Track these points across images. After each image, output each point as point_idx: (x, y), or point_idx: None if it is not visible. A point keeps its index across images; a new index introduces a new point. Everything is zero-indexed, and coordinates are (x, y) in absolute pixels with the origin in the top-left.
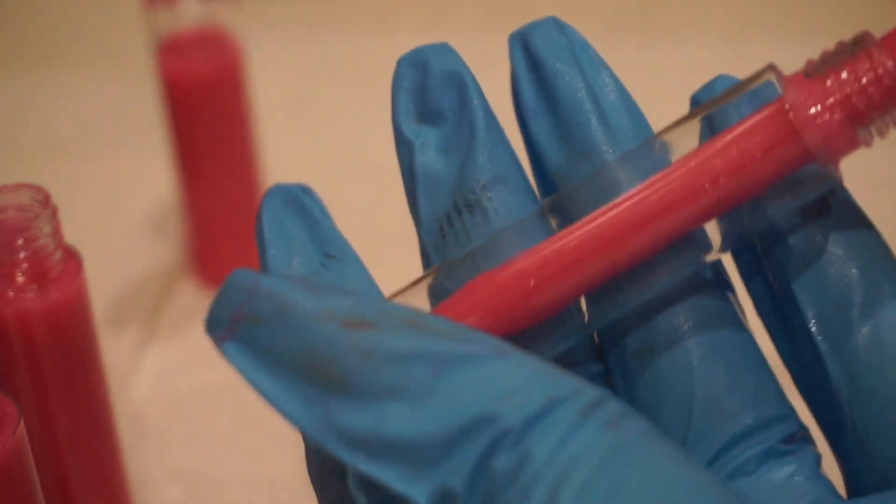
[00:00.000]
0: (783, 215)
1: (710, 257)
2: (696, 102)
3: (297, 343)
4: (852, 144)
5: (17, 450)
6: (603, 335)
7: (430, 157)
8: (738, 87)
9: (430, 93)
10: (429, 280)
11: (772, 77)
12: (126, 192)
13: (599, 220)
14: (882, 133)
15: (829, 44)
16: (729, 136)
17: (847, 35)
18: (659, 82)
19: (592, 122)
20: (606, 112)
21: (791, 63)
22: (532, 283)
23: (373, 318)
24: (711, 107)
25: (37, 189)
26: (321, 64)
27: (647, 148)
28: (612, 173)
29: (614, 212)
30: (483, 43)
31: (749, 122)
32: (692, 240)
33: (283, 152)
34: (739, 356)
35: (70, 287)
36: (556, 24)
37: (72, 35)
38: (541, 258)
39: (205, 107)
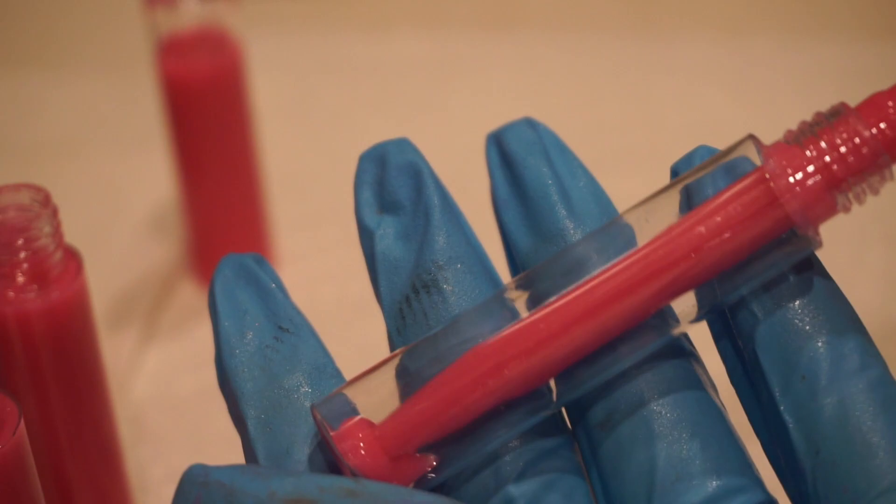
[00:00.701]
0: (757, 284)
1: (682, 329)
2: (676, 173)
3: None
4: (831, 211)
5: (18, 450)
6: (569, 403)
7: (389, 244)
8: (718, 156)
9: (388, 184)
10: (393, 364)
11: (751, 147)
12: (126, 192)
13: (588, 294)
14: (860, 199)
15: (829, 43)
16: (711, 205)
17: (847, 34)
18: (659, 82)
19: (558, 207)
20: (572, 198)
21: (791, 63)
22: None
23: (313, 495)
24: (690, 177)
25: (37, 189)
26: (321, 64)
27: (620, 223)
28: (583, 249)
29: (603, 283)
30: (483, 43)
31: (731, 191)
32: (663, 313)
33: (283, 152)
34: (703, 425)
35: (70, 287)
36: (529, 124)
37: (72, 35)
38: (534, 333)
39: (205, 107)
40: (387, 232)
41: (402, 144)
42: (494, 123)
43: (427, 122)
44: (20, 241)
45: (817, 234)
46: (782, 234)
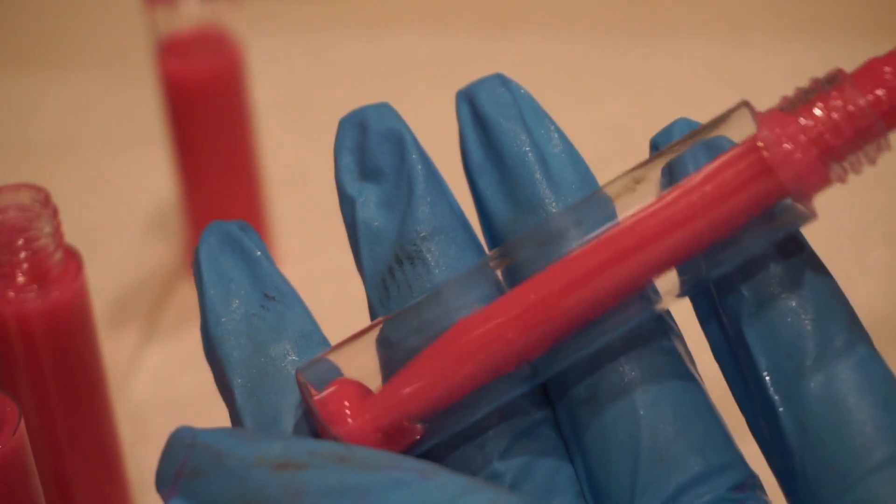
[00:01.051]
0: (746, 257)
1: (665, 304)
2: (655, 147)
3: (234, 490)
4: (825, 180)
5: (18, 449)
6: (550, 381)
7: (370, 213)
8: (713, 122)
9: (369, 151)
10: (375, 332)
11: (746, 114)
12: (126, 192)
13: (576, 262)
14: (855, 169)
15: (829, 43)
16: (702, 174)
17: (846, 34)
18: (659, 82)
19: (537, 176)
20: (551, 166)
21: (791, 63)
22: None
23: (302, 458)
24: (674, 149)
25: (37, 189)
26: (321, 64)
27: (603, 195)
28: (566, 221)
29: (594, 251)
30: (483, 43)
31: (722, 159)
32: (648, 287)
33: (283, 152)
34: (686, 403)
35: (70, 287)
36: (502, 81)
37: (72, 35)
38: (520, 305)
39: (205, 107)
40: (368, 200)
41: (384, 109)
42: None
43: (427, 123)
44: (20, 241)
45: (811, 205)
46: (775, 205)
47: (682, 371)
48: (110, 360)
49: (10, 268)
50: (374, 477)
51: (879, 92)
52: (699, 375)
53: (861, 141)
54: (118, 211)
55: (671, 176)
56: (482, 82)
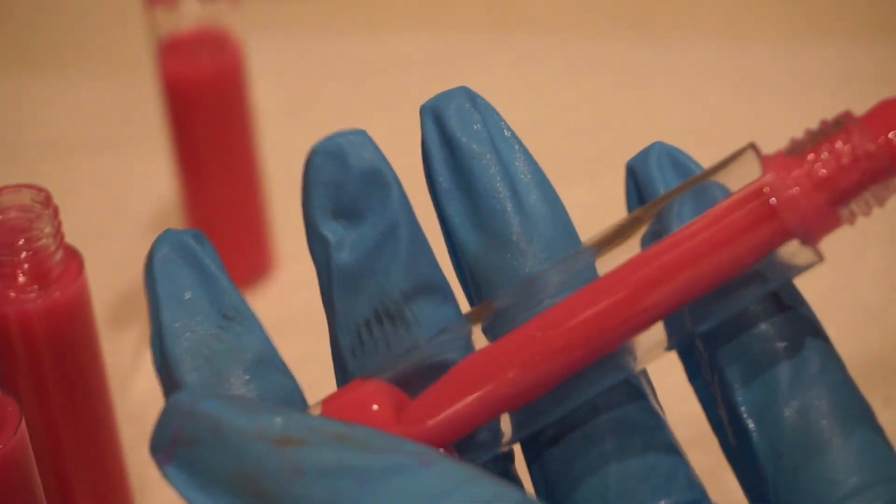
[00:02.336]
0: (750, 302)
1: (651, 358)
2: (632, 170)
3: (231, 462)
4: (833, 224)
5: (19, 449)
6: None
7: (346, 257)
8: (717, 166)
9: (347, 189)
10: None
11: (751, 156)
12: (126, 192)
13: (594, 302)
14: (864, 212)
15: (830, 45)
16: (707, 218)
17: (847, 36)
18: (659, 82)
19: (509, 209)
20: (522, 197)
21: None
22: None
23: (302, 435)
24: (689, 185)
25: (38, 189)
26: (321, 64)
27: (588, 255)
28: (552, 279)
29: (606, 294)
30: (483, 43)
31: (727, 203)
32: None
33: (283, 152)
34: (651, 441)
35: (71, 287)
36: (469, 97)
37: (72, 35)
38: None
39: (205, 107)
40: (344, 242)
41: (361, 140)
42: None
43: None
44: (21, 242)
45: (818, 248)
46: (781, 251)
47: (646, 406)
48: (110, 360)
49: (11, 268)
50: (374, 459)
51: (891, 135)
52: (662, 410)
53: (870, 184)
54: (118, 211)
55: (662, 225)
56: (448, 97)
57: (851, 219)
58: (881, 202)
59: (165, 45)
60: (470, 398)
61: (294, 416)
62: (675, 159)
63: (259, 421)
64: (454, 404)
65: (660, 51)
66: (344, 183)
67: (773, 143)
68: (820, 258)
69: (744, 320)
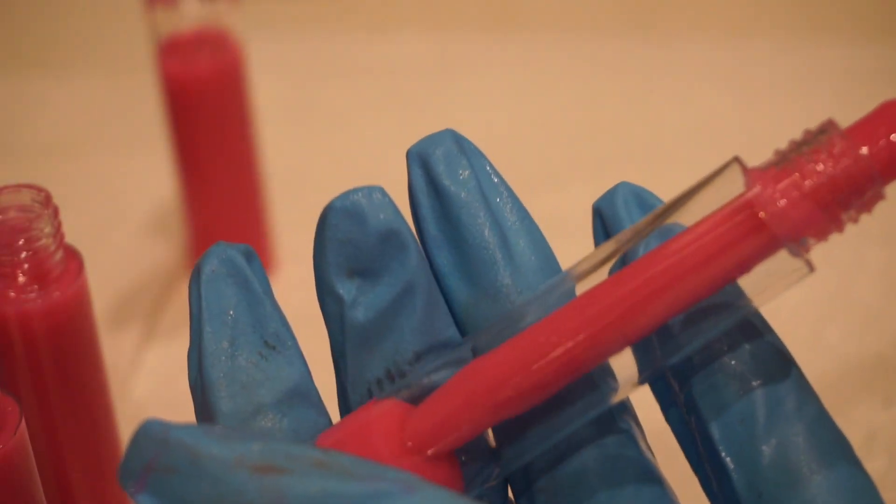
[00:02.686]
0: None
1: (627, 391)
2: (597, 212)
3: (209, 491)
4: (824, 232)
5: (19, 449)
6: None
7: (360, 316)
8: (703, 182)
9: (365, 249)
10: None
11: (736, 169)
12: (126, 192)
13: (593, 306)
14: (853, 218)
15: (829, 45)
16: (693, 233)
17: (846, 36)
18: (659, 82)
19: (499, 260)
20: (512, 247)
21: (791, 65)
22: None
23: (282, 462)
24: (672, 207)
25: (38, 189)
26: (321, 64)
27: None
28: (533, 313)
29: (599, 301)
30: (483, 43)
31: (715, 217)
32: (605, 373)
33: (283, 152)
34: (641, 485)
35: (71, 287)
36: (455, 140)
37: (72, 35)
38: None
39: (205, 107)
40: (358, 301)
41: (379, 198)
42: (493, 124)
43: (427, 123)
44: (21, 242)
45: (808, 258)
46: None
47: (635, 449)
48: (110, 360)
49: (11, 268)
50: (357, 487)
51: (893, 137)
52: (649, 452)
53: (856, 191)
54: (118, 211)
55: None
56: (435, 142)
57: (840, 226)
58: (868, 208)
59: (165, 45)
60: (453, 404)
61: (271, 443)
62: (640, 199)
63: (236, 449)
64: (442, 411)
65: (660, 51)
66: (361, 242)
67: (772, 144)
68: (810, 268)
69: (715, 353)
